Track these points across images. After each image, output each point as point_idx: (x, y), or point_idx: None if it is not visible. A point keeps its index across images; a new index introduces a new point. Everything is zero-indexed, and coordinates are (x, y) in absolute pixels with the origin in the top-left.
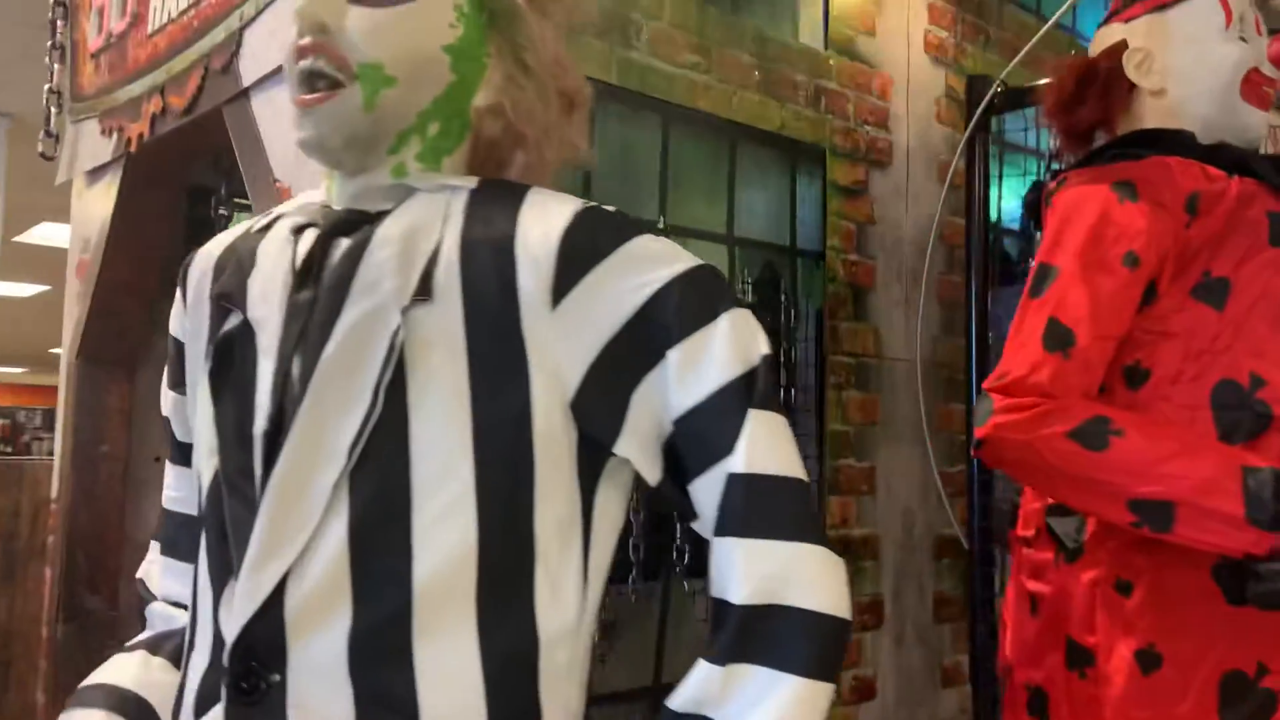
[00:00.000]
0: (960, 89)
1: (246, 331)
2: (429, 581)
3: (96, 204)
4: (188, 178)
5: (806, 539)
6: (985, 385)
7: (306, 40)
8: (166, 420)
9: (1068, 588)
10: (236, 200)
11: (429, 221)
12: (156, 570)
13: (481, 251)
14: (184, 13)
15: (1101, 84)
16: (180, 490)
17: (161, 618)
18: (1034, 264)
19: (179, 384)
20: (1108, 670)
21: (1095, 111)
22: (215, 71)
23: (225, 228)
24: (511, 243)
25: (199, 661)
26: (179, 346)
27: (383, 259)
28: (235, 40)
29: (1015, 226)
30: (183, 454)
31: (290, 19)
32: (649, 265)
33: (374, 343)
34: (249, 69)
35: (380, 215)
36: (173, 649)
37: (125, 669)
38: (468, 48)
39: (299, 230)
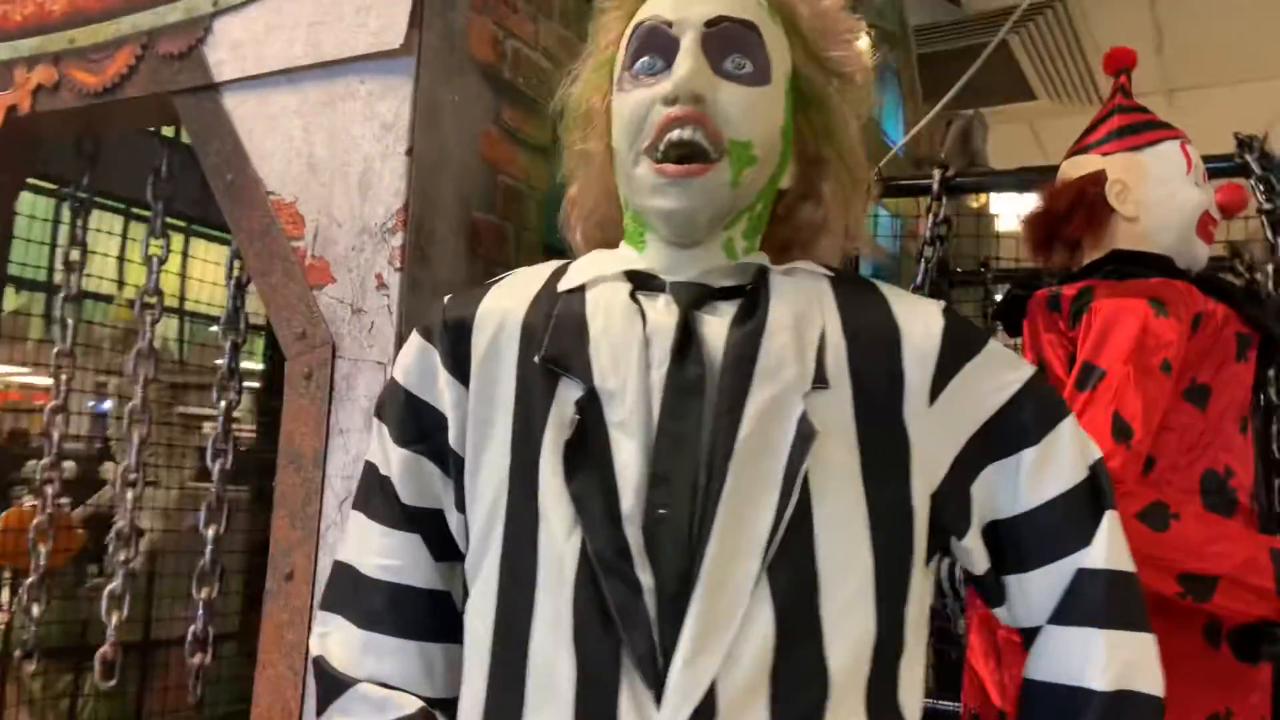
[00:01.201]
0: None
1: (594, 403)
2: (840, 673)
3: None
4: (33, 163)
5: (1150, 630)
6: None
7: (683, 110)
8: (378, 476)
9: None
10: (121, 201)
11: (809, 309)
12: (352, 648)
13: (868, 342)
14: None
15: (1089, 205)
16: (397, 558)
17: (371, 703)
18: (1079, 361)
19: (412, 442)
20: None
21: (1079, 228)
22: (161, 55)
23: (80, 223)
24: (897, 336)
25: None
26: (413, 402)
27: (782, 344)
28: (203, 26)
29: None
30: (408, 519)
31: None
32: (1006, 367)
33: (782, 428)
34: (225, 62)
35: (725, 292)
36: None
37: None
38: (788, 131)
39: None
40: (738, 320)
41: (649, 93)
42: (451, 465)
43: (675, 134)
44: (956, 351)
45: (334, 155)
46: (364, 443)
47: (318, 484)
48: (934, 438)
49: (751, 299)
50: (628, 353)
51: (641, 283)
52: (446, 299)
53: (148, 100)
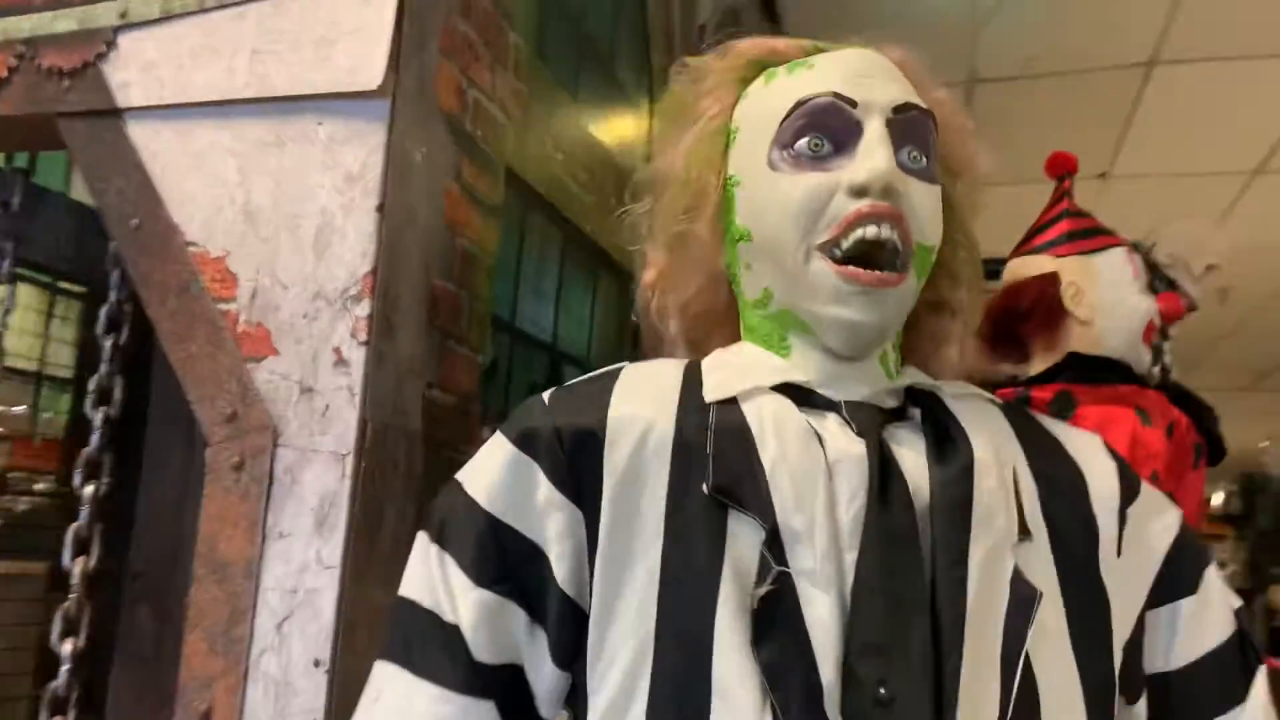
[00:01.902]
0: None
1: (777, 546)
2: None
3: None
4: None
5: None
6: None
7: (877, 205)
8: (437, 623)
9: None
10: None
11: (1004, 442)
12: None
13: (1059, 487)
14: None
15: (1048, 306)
16: None
17: None
18: None
19: (497, 581)
20: None
21: (1037, 328)
22: (45, 69)
23: None
24: (1083, 479)
25: None
26: (500, 530)
27: (991, 487)
28: (103, 40)
29: None
30: (481, 682)
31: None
32: (1163, 506)
33: (1000, 589)
34: (133, 85)
35: (894, 414)
36: None
37: None
38: None
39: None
40: (936, 453)
41: (826, 179)
42: (552, 610)
43: (870, 230)
44: (1130, 494)
45: (280, 205)
46: (313, 551)
47: (249, 600)
48: (1126, 591)
49: (939, 428)
50: (813, 486)
51: (800, 399)
52: (546, 398)
53: (19, 121)
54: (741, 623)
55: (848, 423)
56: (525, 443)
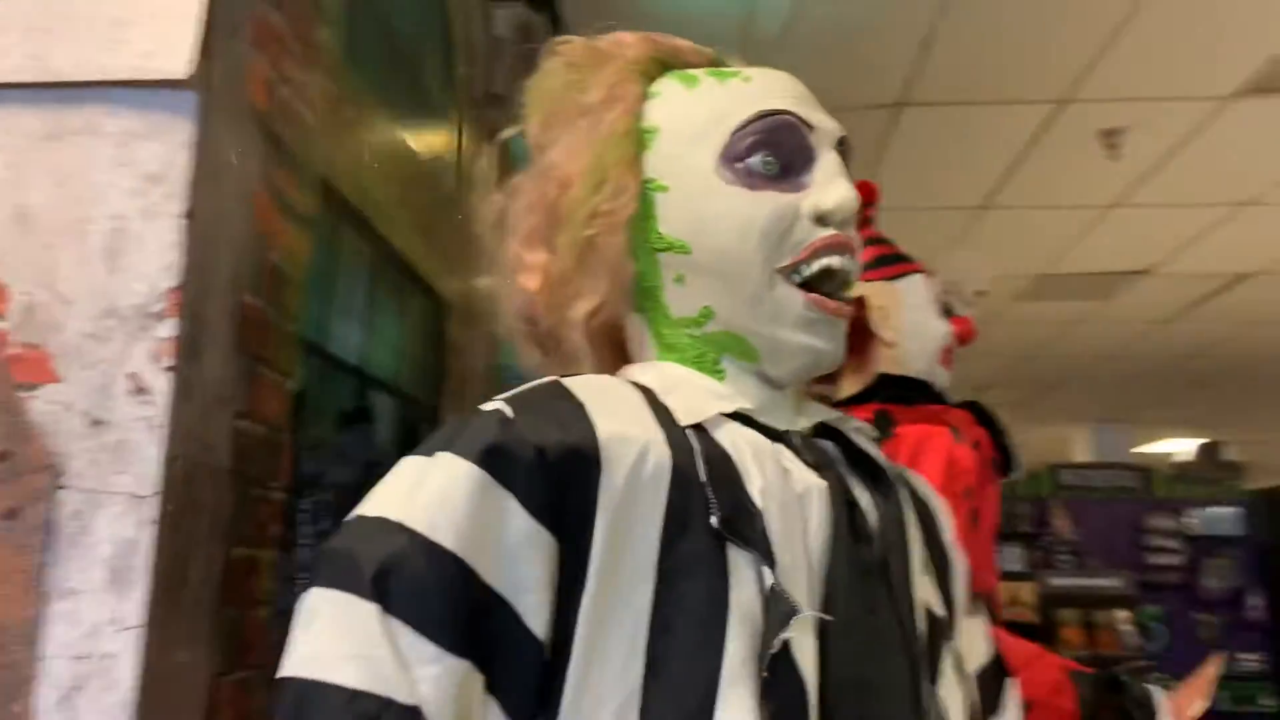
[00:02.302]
0: None
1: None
2: None
3: None
4: None
5: None
6: None
7: (844, 234)
8: (393, 710)
9: None
10: None
11: (899, 476)
12: None
13: (925, 515)
14: None
15: (857, 329)
16: None
17: None
18: None
19: (466, 644)
20: None
21: (851, 351)
22: None
23: None
24: (936, 515)
25: None
26: (469, 579)
27: (911, 519)
28: None
29: None
30: None
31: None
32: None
33: (919, 616)
34: None
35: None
36: None
37: None
38: None
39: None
40: (873, 489)
41: (789, 200)
42: (516, 667)
43: (836, 261)
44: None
45: (62, 208)
46: (107, 610)
47: (26, 670)
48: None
49: (866, 464)
50: (794, 520)
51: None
52: (507, 409)
53: None
54: (750, 674)
55: (798, 453)
56: (494, 464)
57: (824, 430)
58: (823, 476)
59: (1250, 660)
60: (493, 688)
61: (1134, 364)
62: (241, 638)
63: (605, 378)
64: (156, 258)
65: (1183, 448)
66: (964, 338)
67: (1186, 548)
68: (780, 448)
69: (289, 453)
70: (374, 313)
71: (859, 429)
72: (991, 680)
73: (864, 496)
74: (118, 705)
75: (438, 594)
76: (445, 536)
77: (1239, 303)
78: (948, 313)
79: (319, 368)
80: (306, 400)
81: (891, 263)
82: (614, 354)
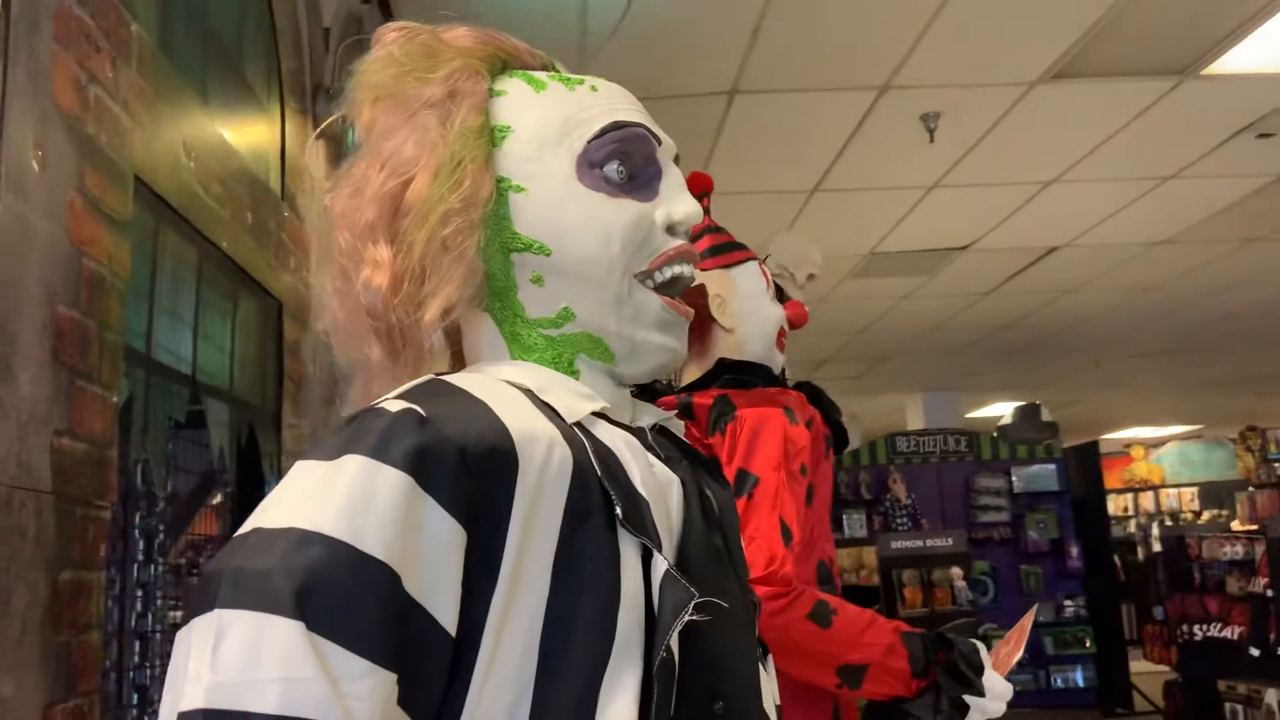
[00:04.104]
0: None
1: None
2: None
3: None
4: None
5: None
6: (753, 577)
7: (689, 245)
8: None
9: None
10: None
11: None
12: None
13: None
14: None
15: (697, 316)
16: None
17: None
18: (732, 467)
19: (395, 654)
20: None
21: (690, 337)
22: None
23: None
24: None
25: None
26: (399, 593)
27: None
28: None
29: None
30: None
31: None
32: None
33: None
34: None
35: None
36: None
37: None
38: None
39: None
40: (705, 478)
41: (645, 209)
42: (426, 670)
43: (683, 269)
44: None
45: None
46: None
47: None
48: None
49: (693, 457)
50: (664, 510)
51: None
52: (420, 409)
53: None
54: (635, 655)
55: (651, 449)
56: (419, 467)
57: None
58: (674, 469)
59: (1071, 606)
60: (404, 699)
61: (958, 334)
62: (74, 664)
63: (482, 377)
64: None
65: (1005, 411)
66: (795, 321)
67: (1010, 504)
68: (635, 442)
69: (115, 468)
70: (203, 316)
71: (675, 422)
72: None
73: (707, 486)
74: None
75: (367, 606)
76: (373, 545)
77: (1048, 274)
78: (780, 297)
79: (146, 377)
80: (133, 412)
81: (727, 251)
82: (453, 356)
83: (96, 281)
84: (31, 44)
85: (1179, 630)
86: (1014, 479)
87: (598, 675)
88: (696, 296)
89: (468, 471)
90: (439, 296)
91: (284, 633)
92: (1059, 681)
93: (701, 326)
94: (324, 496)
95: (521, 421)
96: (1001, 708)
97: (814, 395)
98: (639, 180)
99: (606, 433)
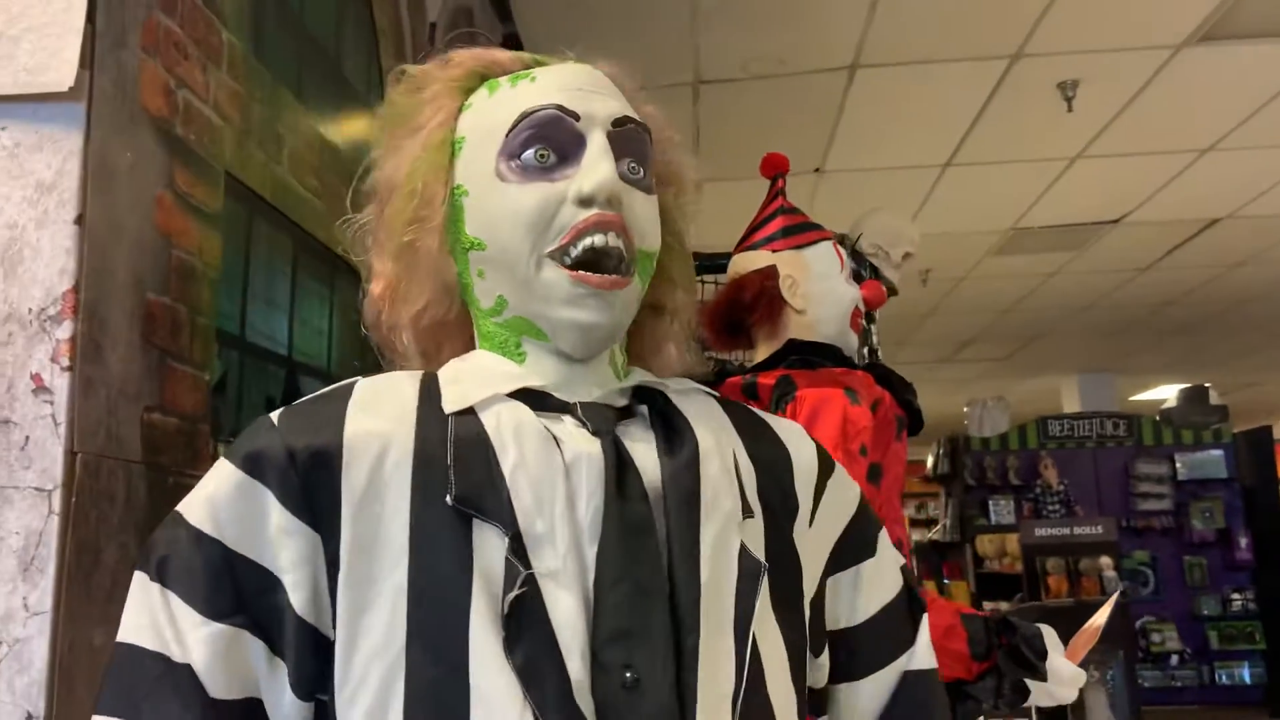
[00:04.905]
0: None
1: (521, 550)
2: None
3: None
4: None
5: None
6: None
7: (604, 214)
8: (164, 665)
9: None
10: None
11: (722, 431)
12: None
13: (772, 469)
14: None
15: (769, 297)
16: None
17: None
18: None
19: (229, 614)
20: None
21: (762, 318)
22: None
23: None
24: (789, 460)
25: None
26: (230, 559)
27: (716, 474)
28: None
29: None
30: (220, 718)
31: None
32: (848, 482)
33: (728, 567)
34: None
35: (624, 412)
36: None
37: None
38: None
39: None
40: (665, 447)
41: (554, 188)
42: (291, 639)
43: (597, 239)
44: (825, 472)
45: None
46: (18, 597)
47: None
48: (813, 557)
49: (666, 423)
50: (552, 488)
51: (536, 403)
52: (275, 418)
53: None
54: (494, 629)
55: (583, 423)
56: (253, 466)
57: (645, 393)
58: (605, 443)
59: (1239, 599)
60: (275, 655)
61: (1113, 313)
62: None
63: (399, 374)
64: (52, 263)
65: (1168, 394)
66: (873, 302)
67: (1174, 492)
68: (566, 419)
69: (207, 440)
70: (299, 301)
71: (686, 390)
72: (899, 616)
73: (648, 455)
74: (33, 686)
75: (201, 573)
76: (208, 526)
77: (1211, 247)
78: (857, 278)
79: (240, 358)
80: (227, 390)
81: (800, 231)
82: (455, 351)
83: (187, 270)
84: (119, 56)
85: None
86: (1178, 465)
87: (463, 646)
88: (765, 278)
89: (295, 470)
90: (410, 301)
91: (151, 591)
92: (1224, 678)
93: (771, 308)
94: (198, 488)
95: (367, 423)
96: (1071, 694)
97: (883, 376)
98: (567, 159)
99: (495, 416)
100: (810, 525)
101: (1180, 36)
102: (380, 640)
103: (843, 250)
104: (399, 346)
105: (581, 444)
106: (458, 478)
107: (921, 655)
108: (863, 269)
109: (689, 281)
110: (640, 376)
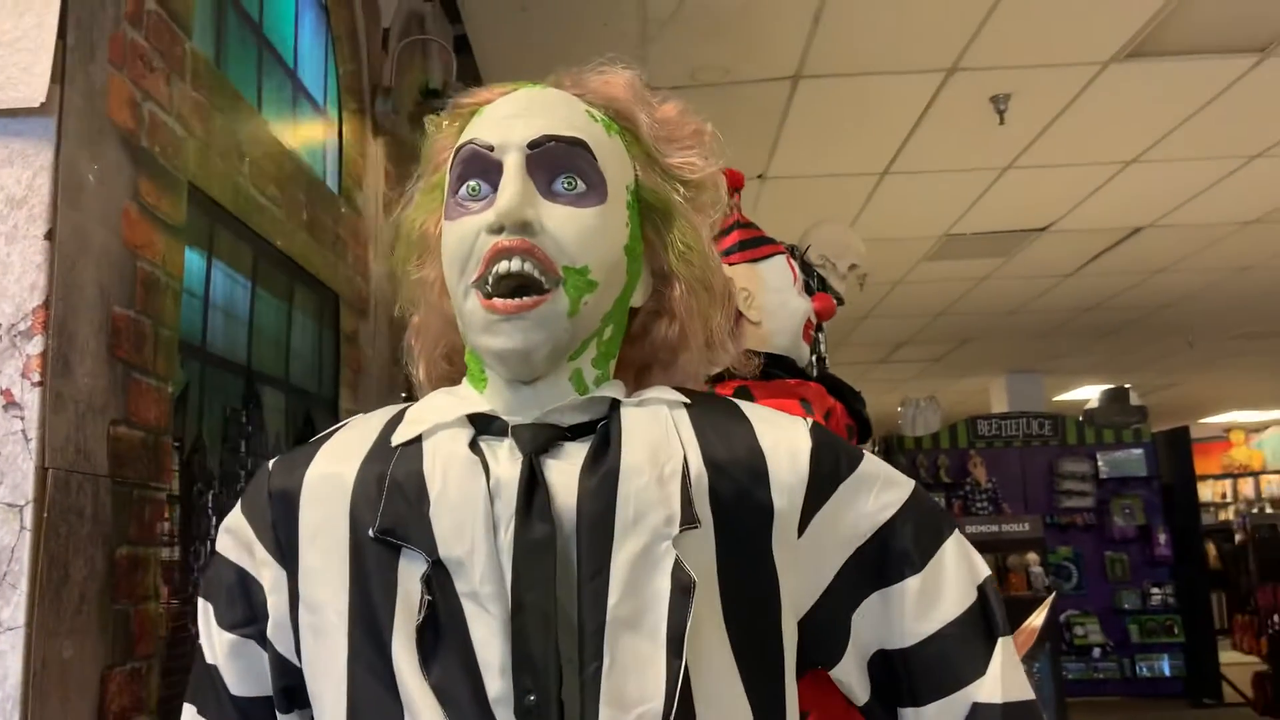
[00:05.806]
0: None
1: (443, 576)
2: None
3: None
4: None
5: None
6: None
7: (510, 240)
8: (204, 665)
9: None
10: None
11: (666, 441)
12: None
13: (732, 473)
14: None
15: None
16: None
17: None
18: None
19: (240, 625)
20: None
21: None
22: None
23: None
24: (763, 465)
25: None
26: (244, 578)
27: (641, 486)
28: None
29: None
30: (239, 713)
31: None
32: (882, 486)
33: (655, 584)
34: None
35: (578, 430)
36: None
37: None
38: (635, 246)
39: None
40: (589, 465)
41: (475, 221)
42: (278, 644)
43: (503, 265)
44: (826, 475)
45: None
46: None
47: None
48: (804, 568)
49: (603, 437)
50: (472, 514)
51: (483, 427)
52: (273, 463)
53: None
54: (410, 651)
55: (516, 447)
56: (247, 505)
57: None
58: (531, 465)
59: (1159, 594)
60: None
61: (1040, 317)
62: (132, 631)
63: (378, 413)
64: (23, 278)
65: (1091, 394)
66: (824, 314)
67: (1095, 489)
68: (505, 443)
69: (169, 452)
70: (258, 311)
71: (646, 400)
72: (964, 640)
73: (572, 475)
74: (7, 700)
75: (222, 589)
76: (228, 550)
77: (1133, 255)
78: (823, 287)
79: (201, 369)
80: (188, 401)
81: (755, 246)
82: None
83: (151, 282)
84: (88, 70)
85: (1269, 620)
86: (1100, 463)
87: (389, 663)
88: None
89: (271, 508)
90: (423, 335)
91: (201, 605)
92: (1145, 670)
93: (731, 321)
94: (230, 513)
95: (324, 465)
96: None
97: (835, 387)
98: (495, 189)
99: (434, 447)
100: (801, 534)
101: (1108, 53)
102: (328, 663)
103: (794, 263)
104: (416, 377)
105: (508, 468)
106: (384, 511)
107: (994, 686)
108: (810, 280)
109: (701, 281)
110: (611, 390)
